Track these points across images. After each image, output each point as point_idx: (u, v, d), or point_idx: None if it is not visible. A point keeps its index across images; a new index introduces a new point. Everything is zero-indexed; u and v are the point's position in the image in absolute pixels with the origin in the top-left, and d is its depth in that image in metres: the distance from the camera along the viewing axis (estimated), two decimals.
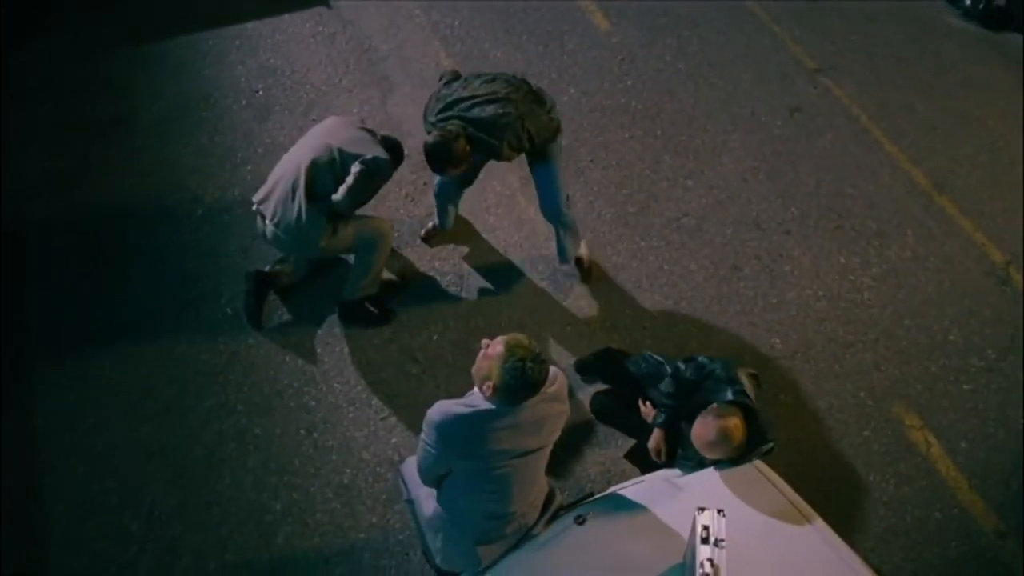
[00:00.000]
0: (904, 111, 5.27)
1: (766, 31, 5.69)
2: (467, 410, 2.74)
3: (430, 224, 4.54)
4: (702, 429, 3.10)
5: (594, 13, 5.73)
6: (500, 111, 3.69)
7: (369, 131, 3.92)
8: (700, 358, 3.42)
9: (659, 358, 3.62)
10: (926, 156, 5.04)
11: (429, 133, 3.76)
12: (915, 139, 5.13)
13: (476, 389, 2.79)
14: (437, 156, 3.71)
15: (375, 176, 3.80)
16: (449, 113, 3.74)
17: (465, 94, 3.77)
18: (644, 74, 5.40)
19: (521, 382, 2.68)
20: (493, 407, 2.72)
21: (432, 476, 2.94)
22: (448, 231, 4.53)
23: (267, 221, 3.84)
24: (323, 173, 3.75)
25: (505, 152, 3.77)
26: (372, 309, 4.18)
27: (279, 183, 3.81)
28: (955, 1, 5.88)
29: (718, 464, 3.14)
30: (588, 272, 4.41)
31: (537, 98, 3.86)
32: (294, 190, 3.75)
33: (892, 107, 5.29)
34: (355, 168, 3.73)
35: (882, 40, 5.68)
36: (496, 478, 2.81)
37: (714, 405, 3.14)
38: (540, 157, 3.97)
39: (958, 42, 5.71)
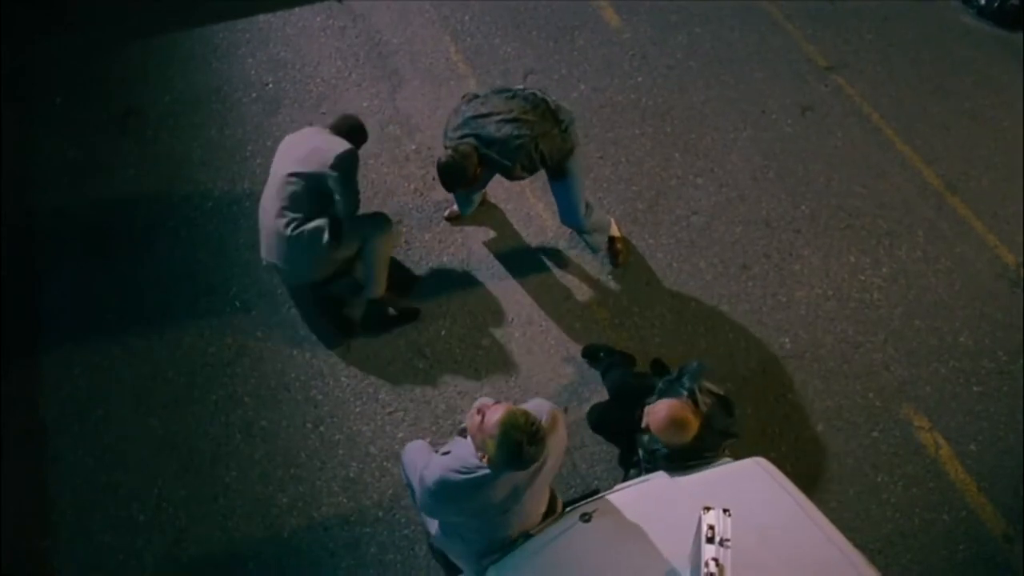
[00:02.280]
0: (917, 110, 5.23)
1: (779, 29, 5.65)
2: (462, 477, 2.66)
3: (454, 206, 4.57)
4: (659, 409, 3.23)
5: (605, 9, 5.71)
6: (515, 132, 3.72)
7: (317, 131, 3.95)
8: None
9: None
10: (938, 156, 5.00)
11: (446, 148, 3.78)
12: (927, 139, 5.09)
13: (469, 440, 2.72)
14: (449, 175, 3.76)
15: (353, 171, 3.84)
16: (466, 131, 3.77)
17: (483, 111, 3.80)
18: (655, 71, 5.38)
19: (519, 462, 2.60)
20: (489, 472, 2.65)
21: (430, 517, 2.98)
22: (468, 216, 4.58)
23: (282, 266, 3.91)
24: (301, 199, 3.79)
25: (517, 172, 3.83)
26: (392, 312, 4.14)
27: (269, 232, 3.88)
28: (969, 0, 5.82)
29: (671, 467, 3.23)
30: (618, 254, 4.41)
31: (554, 117, 3.86)
32: (285, 228, 3.79)
33: (905, 106, 5.25)
34: (333, 179, 3.76)
35: (896, 39, 5.63)
36: (497, 523, 2.81)
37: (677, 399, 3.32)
38: (559, 172, 4.00)
39: (972, 42, 5.66)
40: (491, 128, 3.74)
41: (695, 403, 3.28)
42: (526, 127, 3.74)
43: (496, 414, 2.57)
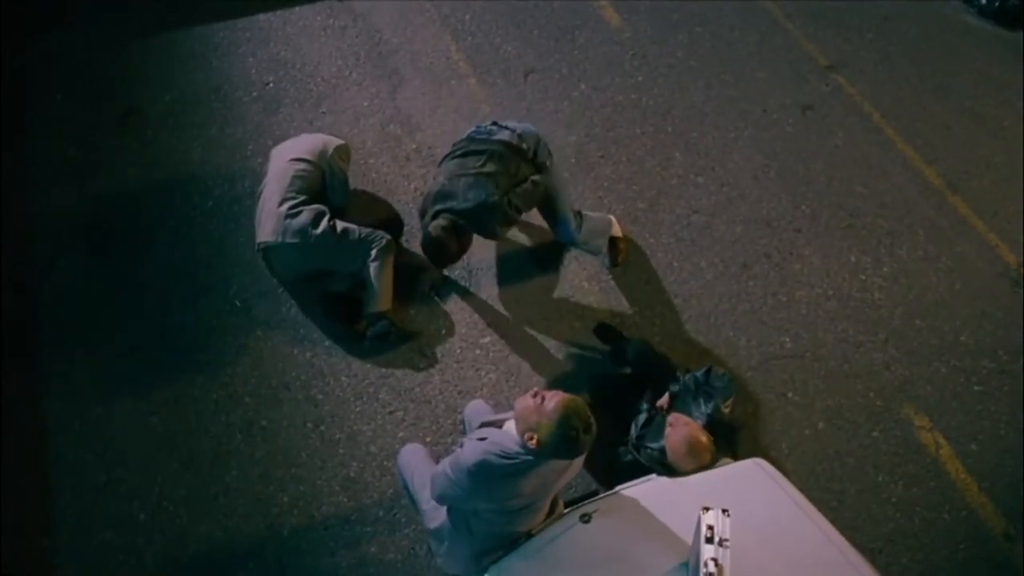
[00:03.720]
0: (918, 110, 5.23)
1: (779, 28, 5.65)
2: (504, 461, 2.68)
3: None
4: (679, 430, 3.30)
5: (605, 8, 5.71)
6: (483, 194, 3.66)
7: (311, 134, 4.41)
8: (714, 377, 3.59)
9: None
10: (939, 156, 5.00)
11: (425, 230, 3.78)
12: (928, 138, 5.08)
13: (510, 427, 2.75)
14: (435, 255, 3.80)
15: (347, 160, 4.29)
16: (438, 207, 3.73)
17: (443, 180, 3.76)
18: (655, 70, 5.38)
19: (570, 450, 2.65)
20: (531, 458, 2.67)
21: (449, 504, 2.96)
22: None
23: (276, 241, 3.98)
24: (303, 182, 4.06)
25: (500, 232, 3.88)
26: (393, 337, 4.11)
27: (268, 215, 4.01)
28: (970, 0, 5.81)
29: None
30: (618, 254, 4.37)
31: (518, 153, 3.79)
32: (282, 205, 3.98)
33: (906, 106, 5.25)
34: (328, 167, 4.15)
35: (896, 38, 5.63)
36: (515, 516, 2.84)
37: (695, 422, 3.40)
38: (557, 222, 4.09)
39: (973, 41, 5.65)
40: (459, 195, 3.68)
41: (712, 433, 3.34)
42: (491, 183, 3.68)
43: (556, 398, 2.63)
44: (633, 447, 3.46)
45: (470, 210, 3.69)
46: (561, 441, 2.61)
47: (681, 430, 3.28)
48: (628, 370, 3.91)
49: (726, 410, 3.46)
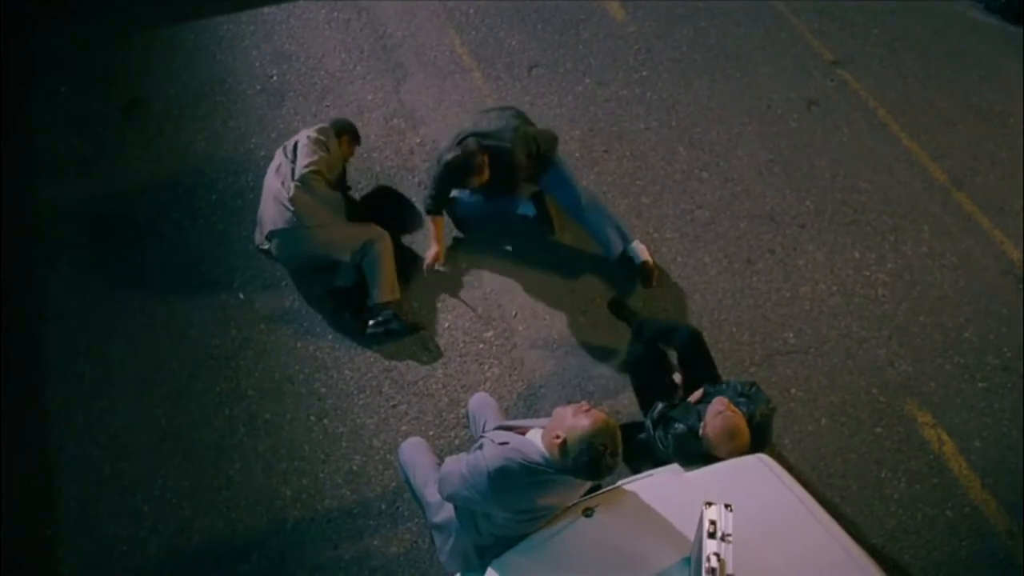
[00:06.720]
0: (923, 106, 5.21)
1: (785, 23, 5.63)
2: (524, 471, 2.68)
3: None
4: (725, 417, 3.30)
5: (610, 2, 5.69)
6: (506, 120, 4.18)
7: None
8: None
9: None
10: (945, 152, 4.98)
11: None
12: (934, 134, 5.06)
13: (534, 436, 2.76)
14: (460, 168, 4.05)
15: (328, 135, 4.30)
16: (463, 135, 4.12)
17: (467, 122, 4.27)
18: (660, 65, 5.36)
19: (591, 466, 2.63)
20: (551, 472, 2.67)
21: (459, 504, 2.96)
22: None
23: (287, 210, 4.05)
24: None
25: (519, 156, 4.10)
26: (396, 328, 4.10)
27: (273, 197, 4.09)
28: None
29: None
30: (649, 277, 4.29)
31: (526, 122, 4.31)
32: (291, 172, 4.12)
33: (911, 102, 5.23)
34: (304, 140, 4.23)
35: (902, 34, 5.61)
36: (523, 525, 2.85)
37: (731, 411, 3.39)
38: (547, 167, 4.28)
39: (980, 37, 5.63)
40: (484, 123, 4.16)
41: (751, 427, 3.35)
42: (513, 116, 4.21)
43: (596, 414, 2.65)
44: (652, 423, 3.47)
45: (494, 131, 4.10)
46: (586, 450, 2.59)
47: (728, 415, 3.30)
48: (645, 352, 3.89)
49: (764, 416, 3.46)
